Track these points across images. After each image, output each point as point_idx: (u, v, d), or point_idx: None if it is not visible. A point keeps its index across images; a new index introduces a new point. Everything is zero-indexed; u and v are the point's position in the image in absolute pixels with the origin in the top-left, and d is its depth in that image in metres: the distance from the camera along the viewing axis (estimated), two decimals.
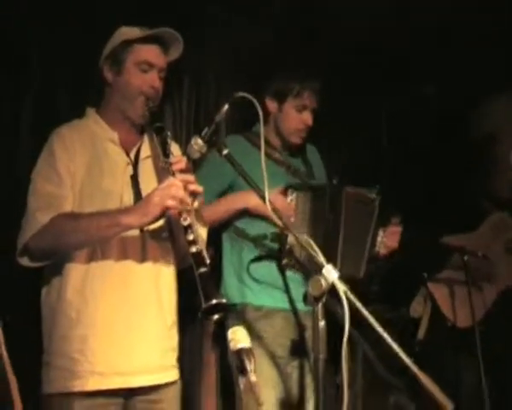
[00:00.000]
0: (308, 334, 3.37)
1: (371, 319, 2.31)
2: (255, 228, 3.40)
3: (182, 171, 2.63)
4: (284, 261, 3.28)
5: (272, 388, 3.34)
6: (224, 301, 2.38)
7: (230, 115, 3.02)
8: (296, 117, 3.51)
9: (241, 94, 2.66)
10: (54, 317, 2.71)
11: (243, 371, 2.22)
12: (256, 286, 3.43)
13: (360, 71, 4.76)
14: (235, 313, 3.45)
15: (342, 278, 3.28)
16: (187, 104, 4.28)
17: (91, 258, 2.70)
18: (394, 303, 4.45)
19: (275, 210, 2.54)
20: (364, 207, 3.50)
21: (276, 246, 3.32)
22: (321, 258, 2.44)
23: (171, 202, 2.51)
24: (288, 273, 3.37)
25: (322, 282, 2.35)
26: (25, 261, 2.69)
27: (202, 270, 2.41)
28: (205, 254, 2.47)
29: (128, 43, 2.84)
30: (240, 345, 2.24)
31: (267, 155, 3.46)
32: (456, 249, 4.05)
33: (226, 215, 3.43)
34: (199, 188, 2.62)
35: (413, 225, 4.44)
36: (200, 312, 2.36)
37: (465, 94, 5.02)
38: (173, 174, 2.61)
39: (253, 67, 4.18)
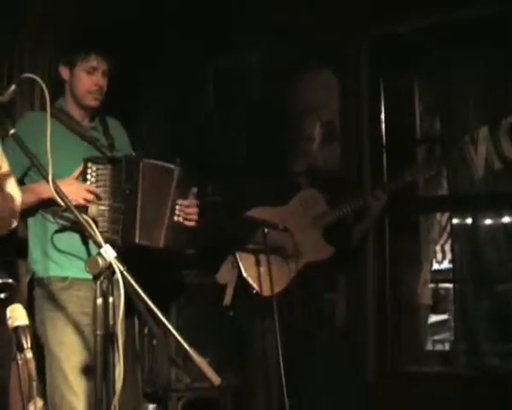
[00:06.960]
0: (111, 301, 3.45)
1: (148, 301, 2.44)
2: None
3: None
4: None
5: (77, 355, 3.44)
6: (9, 281, 2.43)
7: None
8: (87, 79, 3.58)
9: (27, 75, 2.70)
10: None
11: (20, 347, 2.30)
12: (61, 257, 3.48)
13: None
14: (41, 285, 3.51)
15: (142, 246, 3.48)
16: None
17: None
18: (208, 269, 4.61)
19: (58, 192, 2.60)
20: (163, 178, 3.60)
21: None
22: (99, 238, 2.54)
23: None
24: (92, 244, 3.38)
25: (100, 261, 2.45)
26: None
27: None
28: None
29: None
30: (17, 322, 2.32)
31: (69, 128, 3.57)
32: (258, 222, 4.23)
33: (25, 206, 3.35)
34: None
35: (229, 195, 4.63)
36: None
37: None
38: None
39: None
